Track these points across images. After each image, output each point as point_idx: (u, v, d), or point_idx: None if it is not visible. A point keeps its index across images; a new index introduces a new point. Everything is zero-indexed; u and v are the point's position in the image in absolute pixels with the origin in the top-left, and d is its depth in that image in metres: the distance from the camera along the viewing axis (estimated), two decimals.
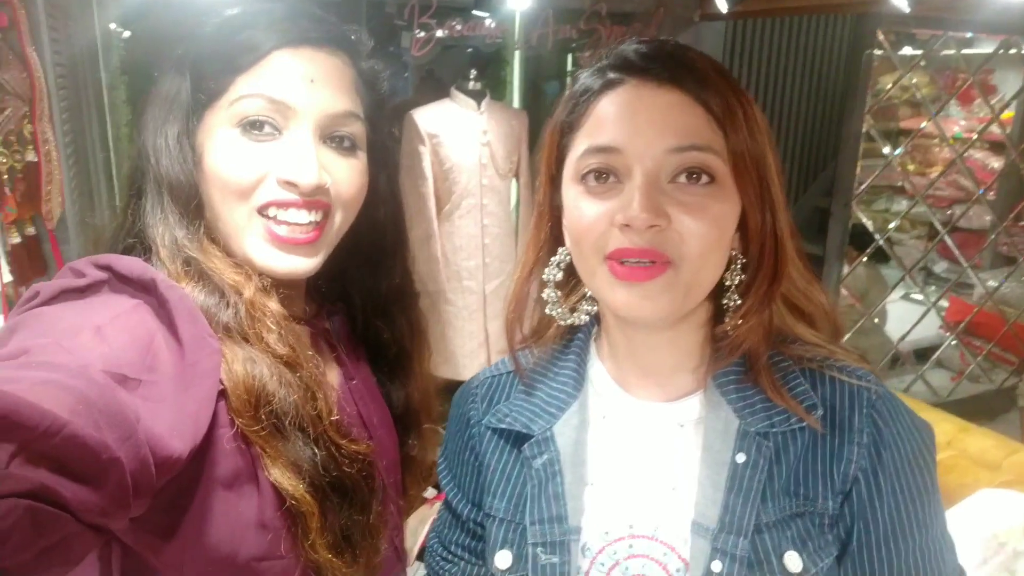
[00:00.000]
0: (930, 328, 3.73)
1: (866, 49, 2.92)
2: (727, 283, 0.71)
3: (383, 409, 0.87)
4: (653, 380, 0.76)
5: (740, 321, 0.69)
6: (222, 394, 0.65)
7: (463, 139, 3.08)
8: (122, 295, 0.61)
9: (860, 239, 3.29)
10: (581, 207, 0.68)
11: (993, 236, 3.84)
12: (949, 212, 3.91)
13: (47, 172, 1.56)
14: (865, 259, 3.33)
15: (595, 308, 0.78)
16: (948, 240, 3.58)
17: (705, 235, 0.65)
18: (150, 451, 0.52)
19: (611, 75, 0.68)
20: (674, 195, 0.65)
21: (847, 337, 3.19)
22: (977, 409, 3.40)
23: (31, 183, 1.55)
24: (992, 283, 3.78)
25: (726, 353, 0.71)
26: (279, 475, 0.66)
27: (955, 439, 1.82)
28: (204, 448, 0.61)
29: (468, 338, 3.18)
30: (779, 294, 0.71)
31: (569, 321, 0.77)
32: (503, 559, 0.75)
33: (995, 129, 3.70)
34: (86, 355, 0.53)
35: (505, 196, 3.24)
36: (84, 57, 2.28)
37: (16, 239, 1.56)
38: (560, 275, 0.76)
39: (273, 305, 0.71)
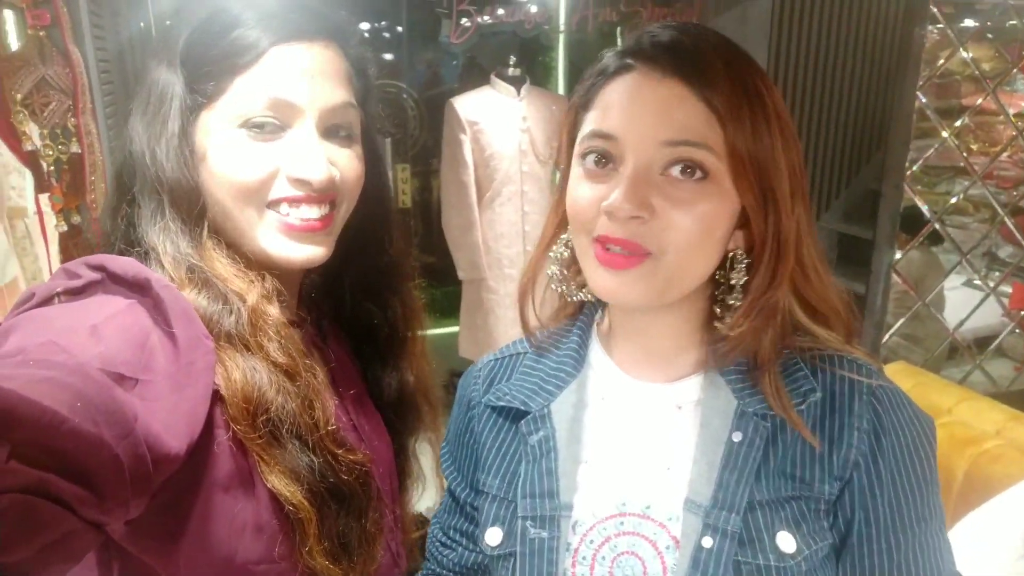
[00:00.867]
0: (992, 316, 3.56)
1: (918, 22, 2.79)
2: (727, 281, 0.70)
3: (374, 416, 0.87)
4: (652, 361, 0.76)
5: (739, 321, 0.69)
6: (218, 397, 0.64)
7: (503, 126, 3.07)
8: (116, 295, 0.61)
9: (916, 222, 3.16)
10: (578, 188, 0.68)
11: None
12: (1015, 193, 3.72)
13: (90, 163, 1.63)
14: (920, 243, 3.20)
15: None
16: (1009, 223, 3.41)
17: (688, 229, 0.65)
18: (147, 450, 0.53)
19: (625, 59, 0.67)
20: (664, 188, 0.65)
21: (900, 323, 3.08)
22: None
23: (76, 174, 1.62)
24: None
25: (725, 351, 0.70)
26: (277, 482, 0.66)
27: (1004, 428, 1.73)
28: (200, 450, 0.61)
29: (510, 325, 3.18)
30: (782, 297, 0.69)
31: (577, 298, 0.77)
32: (493, 536, 0.75)
33: None
34: (82, 354, 0.53)
35: (545, 183, 3.22)
36: (133, 51, 2.37)
37: (63, 227, 1.64)
38: (567, 253, 0.76)
39: (274, 312, 0.71)
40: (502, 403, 0.79)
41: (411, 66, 4.21)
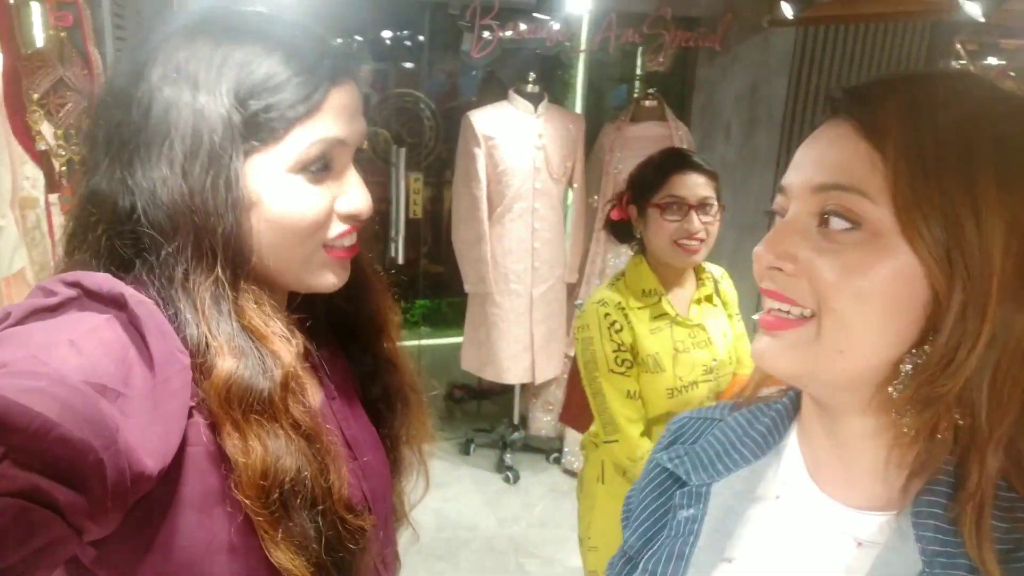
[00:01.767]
0: None
1: (942, 57, 2.77)
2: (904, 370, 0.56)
3: (368, 428, 0.86)
4: (843, 475, 0.62)
5: (903, 407, 0.55)
6: (193, 410, 0.63)
7: (518, 142, 3.07)
8: (92, 311, 0.61)
9: None
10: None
11: None
12: None
13: None
14: None
15: None
16: None
17: (834, 285, 0.54)
18: (127, 464, 0.52)
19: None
20: (816, 239, 0.56)
21: None
22: None
23: None
24: None
25: (918, 469, 0.56)
26: (281, 556, 0.64)
27: None
28: (174, 468, 0.60)
29: (513, 341, 3.18)
30: (953, 385, 0.52)
31: None
32: None
33: None
34: (63, 367, 0.53)
35: (558, 201, 3.22)
36: None
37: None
38: None
39: (301, 373, 0.70)
40: (669, 466, 0.72)
41: (430, 76, 4.23)
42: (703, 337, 1.63)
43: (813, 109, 3.81)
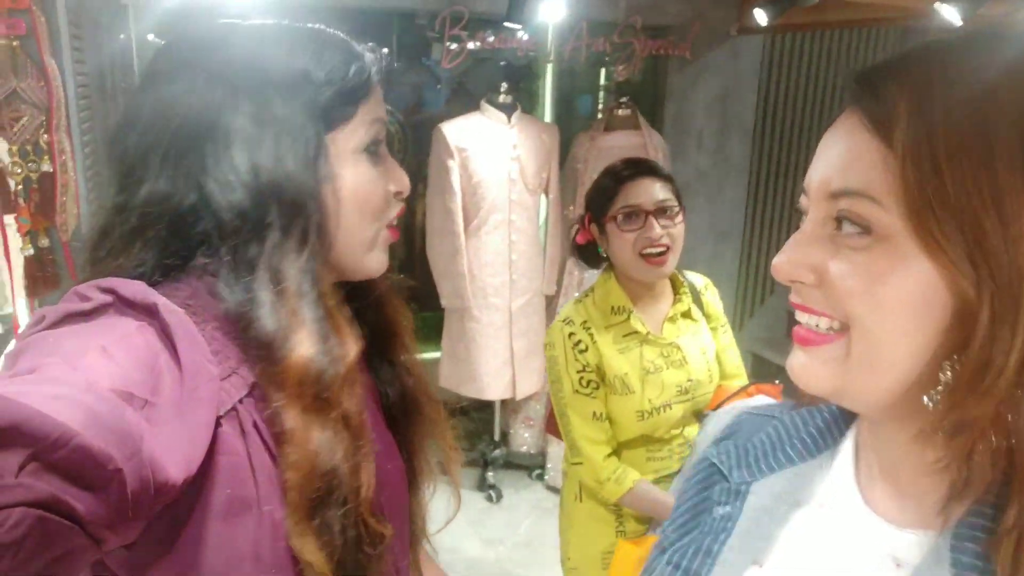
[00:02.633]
0: None
1: None
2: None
3: (387, 436, 0.85)
4: (888, 489, 0.58)
5: (935, 423, 0.50)
6: (222, 419, 0.64)
7: (492, 153, 3.02)
8: (125, 317, 0.62)
9: None
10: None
11: None
12: None
13: (62, 183, 1.53)
14: None
15: None
16: None
17: (855, 293, 0.50)
18: (151, 473, 0.53)
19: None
20: (835, 247, 0.52)
21: None
22: None
23: (46, 194, 1.51)
24: None
25: (957, 494, 0.51)
26: (305, 548, 0.65)
27: None
28: (200, 477, 0.61)
29: (492, 356, 3.11)
30: (985, 413, 0.47)
31: None
32: None
33: None
34: (93, 373, 0.54)
35: (534, 212, 3.17)
36: (113, 67, 2.27)
37: (29, 251, 1.52)
38: None
39: (357, 367, 0.72)
40: (715, 460, 0.69)
41: (396, 89, 4.15)
42: (677, 356, 1.55)
43: (783, 115, 3.84)
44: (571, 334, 1.52)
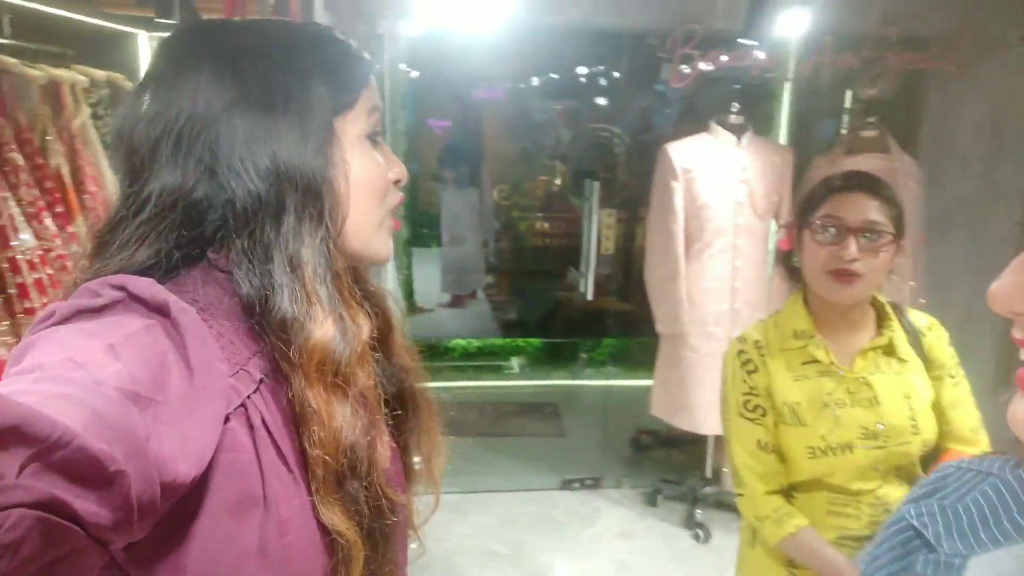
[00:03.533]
0: None
1: None
2: None
3: (385, 433, 0.86)
4: None
5: None
6: (231, 416, 0.64)
7: (719, 175, 2.90)
8: (135, 315, 0.62)
9: None
10: None
11: None
12: None
13: None
14: None
15: None
16: None
17: None
18: (157, 472, 0.52)
19: None
20: None
21: None
22: None
23: None
24: None
25: None
26: (335, 517, 0.67)
27: None
28: (208, 473, 0.61)
29: (708, 389, 2.96)
30: None
31: None
32: None
33: None
34: (99, 372, 0.54)
35: (762, 238, 2.98)
36: None
37: None
38: None
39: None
40: (915, 523, 0.62)
41: (624, 111, 4.15)
42: (866, 395, 1.32)
43: None
44: (741, 351, 1.40)
